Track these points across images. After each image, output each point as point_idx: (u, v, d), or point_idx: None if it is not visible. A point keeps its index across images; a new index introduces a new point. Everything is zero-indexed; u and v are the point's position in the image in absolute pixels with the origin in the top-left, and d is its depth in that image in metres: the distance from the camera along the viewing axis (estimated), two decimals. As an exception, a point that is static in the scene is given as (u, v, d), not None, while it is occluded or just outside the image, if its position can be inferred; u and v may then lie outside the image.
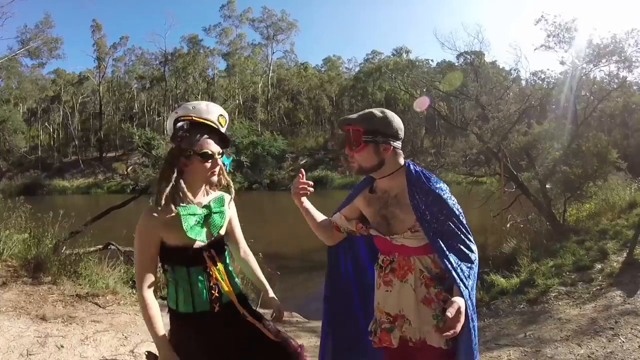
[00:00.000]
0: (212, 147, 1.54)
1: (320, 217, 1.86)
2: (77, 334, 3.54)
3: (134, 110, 50.35)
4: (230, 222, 1.76)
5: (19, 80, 41.81)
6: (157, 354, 1.50)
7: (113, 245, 5.91)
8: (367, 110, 1.60)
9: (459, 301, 1.40)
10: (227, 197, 1.73)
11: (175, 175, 1.50)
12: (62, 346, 3.29)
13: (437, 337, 1.55)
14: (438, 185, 1.55)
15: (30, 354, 3.11)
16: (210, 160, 1.53)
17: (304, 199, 1.77)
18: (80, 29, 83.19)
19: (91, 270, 5.06)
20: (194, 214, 1.53)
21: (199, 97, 41.88)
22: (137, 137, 31.86)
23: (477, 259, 1.54)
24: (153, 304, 1.49)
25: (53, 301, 4.24)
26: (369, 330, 1.73)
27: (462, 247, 1.51)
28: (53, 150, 47.09)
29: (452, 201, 1.55)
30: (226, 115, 1.64)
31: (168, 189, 1.48)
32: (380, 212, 1.64)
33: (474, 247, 1.55)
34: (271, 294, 1.87)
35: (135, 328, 3.86)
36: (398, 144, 1.59)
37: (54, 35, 35.86)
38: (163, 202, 1.48)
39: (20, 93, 42.34)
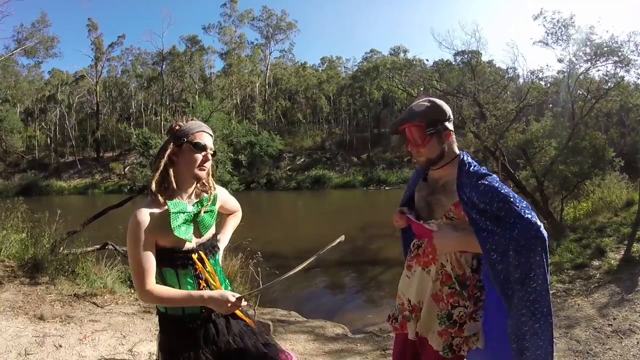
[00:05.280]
0: (207, 140, 1.54)
1: None
2: (75, 334, 3.52)
3: (131, 110, 50.19)
4: (225, 206, 1.80)
5: (15, 80, 41.57)
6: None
7: (110, 245, 5.88)
8: (417, 105, 1.58)
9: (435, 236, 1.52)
10: (218, 191, 1.71)
11: (164, 164, 1.49)
12: (60, 346, 3.27)
13: (437, 340, 1.54)
14: (485, 171, 1.52)
15: (28, 354, 3.10)
16: (202, 152, 1.52)
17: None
18: (77, 28, 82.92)
19: (89, 270, 5.04)
20: (183, 212, 1.49)
21: (197, 97, 41.75)
22: (134, 137, 31.76)
23: (541, 230, 1.32)
24: (162, 289, 1.45)
25: (51, 301, 4.23)
26: (390, 314, 1.77)
27: (515, 218, 1.34)
28: (50, 150, 46.84)
29: (500, 185, 1.45)
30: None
31: (157, 177, 1.47)
32: (426, 199, 1.65)
33: (530, 215, 1.35)
34: (224, 240, 1.81)
35: (133, 327, 3.85)
36: (452, 126, 1.61)
37: (51, 34, 35.56)
38: (154, 190, 1.46)
39: (17, 93, 42.11)
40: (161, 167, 1.48)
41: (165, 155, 1.49)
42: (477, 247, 1.41)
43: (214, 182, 1.68)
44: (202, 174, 1.54)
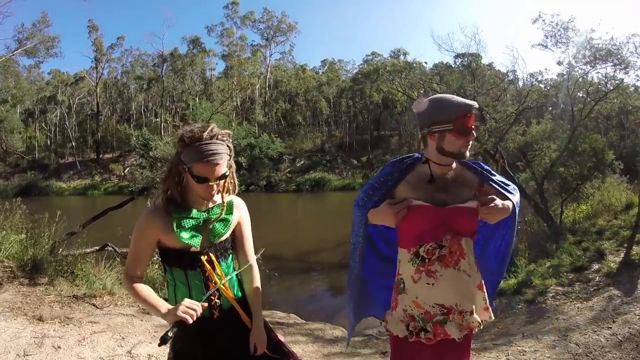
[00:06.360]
0: (210, 173, 1.43)
1: None
2: (74, 335, 3.52)
3: (131, 112, 50.21)
4: (240, 227, 1.66)
5: (16, 80, 41.52)
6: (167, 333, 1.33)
7: (110, 246, 5.87)
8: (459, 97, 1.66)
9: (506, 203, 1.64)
10: (237, 201, 1.64)
11: (171, 180, 1.49)
12: (59, 347, 3.27)
13: (484, 315, 1.69)
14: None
15: (27, 355, 3.09)
16: (203, 183, 1.44)
17: None
18: (78, 29, 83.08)
19: (88, 271, 5.04)
20: (191, 217, 1.49)
21: (197, 98, 41.77)
22: (134, 139, 31.77)
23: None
24: (138, 284, 1.49)
25: (50, 302, 4.22)
26: (408, 330, 1.60)
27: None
28: (50, 151, 46.82)
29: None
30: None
31: (164, 192, 1.50)
32: (435, 198, 1.58)
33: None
34: (258, 323, 1.62)
35: (132, 329, 3.84)
36: None
37: (51, 34, 35.48)
38: (160, 203, 1.50)
39: (17, 93, 42.07)
40: (167, 189, 1.50)
41: (173, 176, 1.49)
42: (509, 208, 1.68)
43: (235, 186, 1.62)
44: (208, 197, 1.49)
